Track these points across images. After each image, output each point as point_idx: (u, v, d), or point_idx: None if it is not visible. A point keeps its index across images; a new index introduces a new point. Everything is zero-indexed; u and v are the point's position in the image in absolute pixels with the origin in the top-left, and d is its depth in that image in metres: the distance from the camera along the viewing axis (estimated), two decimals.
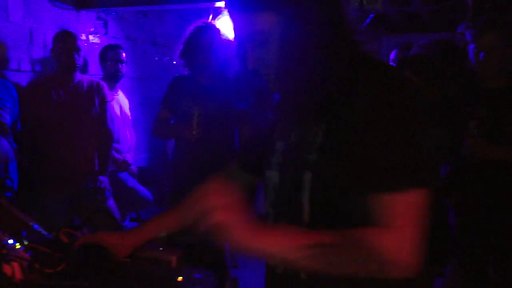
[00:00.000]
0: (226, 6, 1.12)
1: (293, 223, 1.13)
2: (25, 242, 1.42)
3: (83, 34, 4.08)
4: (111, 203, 3.35)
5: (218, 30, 2.91)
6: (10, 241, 1.37)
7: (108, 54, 3.88)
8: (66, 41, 3.16)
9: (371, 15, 3.87)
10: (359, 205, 1.03)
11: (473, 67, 2.52)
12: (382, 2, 3.33)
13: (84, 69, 4.00)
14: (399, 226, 0.99)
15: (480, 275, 2.50)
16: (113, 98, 3.73)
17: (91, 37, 4.23)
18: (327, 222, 1.07)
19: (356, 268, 1.00)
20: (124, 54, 3.91)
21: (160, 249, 1.47)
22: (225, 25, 2.94)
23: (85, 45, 4.04)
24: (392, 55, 3.56)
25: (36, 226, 1.50)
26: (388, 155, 1.00)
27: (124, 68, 3.91)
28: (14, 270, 1.29)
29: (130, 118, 4.09)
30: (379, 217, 1.00)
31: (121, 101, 3.98)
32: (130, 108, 4.13)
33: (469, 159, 2.36)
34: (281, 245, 0.99)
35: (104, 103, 3.30)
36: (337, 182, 1.06)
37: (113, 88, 3.83)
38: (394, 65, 3.40)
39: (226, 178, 1.36)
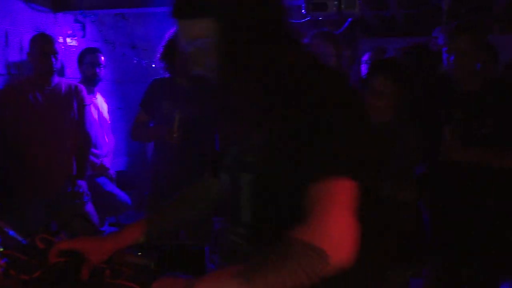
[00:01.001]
0: (171, 14, 1.16)
1: (238, 225, 1.16)
2: (0, 249, 1.40)
3: (60, 37, 4.03)
4: (90, 207, 3.32)
5: None
6: None
7: (86, 57, 3.85)
8: (43, 44, 3.12)
9: (349, 19, 3.91)
10: (296, 203, 1.04)
11: (447, 70, 2.56)
12: (359, 6, 3.37)
13: (62, 72, 3.95)
14: (316, 215, 0.98)
15: (454, 275, 2.55)
16: (92, 102, 3.70)
17: (68, 40, 4.19)
18: (268, 223, 1.09)
19: (295, 274, 0.97)
20: (102, 58, 3.88)
21: (139, 253, 1.47)
22: None
23: (63, 48, 4.00)
24: (365, 57, 3.60)
25: (11, 232, 1.48)
26: (311, 149, 1.03)
27: (102, 72, 3.88)
28: None
29: (108, 121, 4.06)
30: (304, 208, 1.01)
31: (99, 105, 3.95)
32: (108, 112, 4.09)
33: (444, 161, 2.40)
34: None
35: (82, 107, 3.28)
36: (275, 182, 1.08)
37: (91, 91, 3.80)
38: (367, 67, 3.45)
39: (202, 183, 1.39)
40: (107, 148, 4.00)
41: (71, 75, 4.04)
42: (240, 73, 1.11)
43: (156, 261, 1.45)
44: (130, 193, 4.18)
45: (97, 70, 3.83)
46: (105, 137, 3.98)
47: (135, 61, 4.95)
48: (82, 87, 3.33)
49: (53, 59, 3.12)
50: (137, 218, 1.49)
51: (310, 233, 0.97)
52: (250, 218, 1.14)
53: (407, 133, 2.30)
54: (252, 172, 1.13)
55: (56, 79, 3.22)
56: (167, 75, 3.02)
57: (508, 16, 5.74)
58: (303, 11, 3.47)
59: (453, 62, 2.40)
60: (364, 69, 3.58)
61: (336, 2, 3.29)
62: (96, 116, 3.83)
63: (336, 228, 0.98)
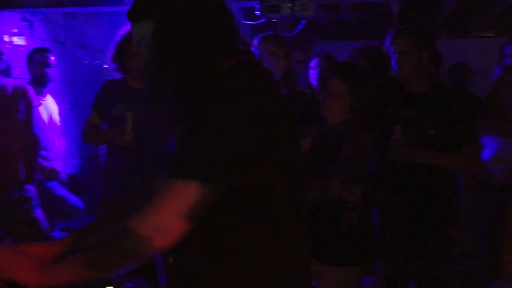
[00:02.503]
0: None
1: None
2: None
3: (6, 36, 3.89)
4: (38, 212, 3.21)
5: None
6: None
7: (34, 57, 3.73)
8: None
9: (303, 22, 3.96)
10: None
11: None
12: (313, 9, 3.41)
13: (8, 73, 3.81)
14: (150, 207, 1.08)
15: (403, 271, 2.62)
16: (40, 103, 3.59)
17: (15, 38, 4.04)
18: None
19: (123, 256, 1.09)
20: (52, 58, 3.77)
21: None
22: None
23: (9, 47, 3.86)
24: (313, 63, 3.64)
25: None
26: (176, 151, 1.14)
27: (52, 72, 3.77)
28: None
29: (59, 124, 3.95)
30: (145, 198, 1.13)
31: (49, 107, 3.83)
32: (59, 114, 3.98)
33: (394, 162, 2.47)
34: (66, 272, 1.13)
35: (30, 109, 3.17)
36: None
37: (40, 92, 3.68)
38: (316, 72, 3.49)
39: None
40: (58, 151, 3.89)
41: (19, 76, 3.90)
42: (165, 74, 1.16)
43: None
44: (82, 197, 4.08)
45: (47, 70, 3.72)
46: (56, 139, 3.86)
47: (86, 62, 4.83)
48: (29, 88, 3.22)
49: None
50: (89, 222, 1.46)
51: (139, 221, 1.08)
52: None
53: (361, 134, 2.35)
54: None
55: (1, 80, 3.10)
56: (119, 76, 2.96)
57: (455, 21, 5.96)
58: (256, 12, 3.48)
59: (396, 63, 2.48)
60: (312, 75, 3.62)
61: (289, 5, 3.32)
62: (45, 118, 3.71)
63: (160, 219, 1.07)
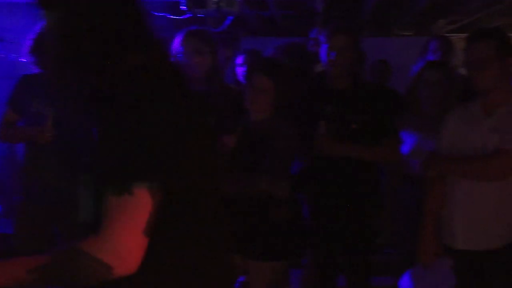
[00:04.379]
0: None
1: (77, 225, 1.18)
2: None
3: None
4: None
5: None
6: None
7: None
8: None
9: (230, 17, 3.95)
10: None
11: (324, 69, 2.70)
12: (239, 4, 3.41)
13: None
14: (105, 229, 1.03)
15: (331, 263, 2.69)
16: None
17: None
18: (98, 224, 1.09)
19: (73, 277, 1.04)
20: None
21: None
22: None
23: None
24: (240, 60, 3.64)
25: None
26: (107, 156, 1.05)
27: None
28: None
29: None
30: (100, 217, 1.05)
31: None
32: None
33: (320, 156, 2.53)
34: (10, 276, 1.06)
35: None
36: (98, 184, 1.09)
37: None
38: (243, 69, 3.50)
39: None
40: None
41: None
42: (69, 69, 1.13)
43: None
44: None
45: None
46: None
47: (1, 55, 4.58)
48: None
49: None
50: (6, 225, 1.39)
51: (98, 247, 1.02)
52: (86, 219, 1.16)
53: (286, 129, 2.38)
54: (88, 172, 1.15)
55: None
56: (37, 71, 2.82)
57: (376, 20, 6.19)
58: (182, 7, 3.43)
59: (333, 59, 2.53)
60: (239, 71, 3.62)
61: (216, 0, 3.30)
62: None
63: (122, 244, 1.02)
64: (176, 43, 2.58)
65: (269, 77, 2.37)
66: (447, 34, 4.92)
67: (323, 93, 2.65)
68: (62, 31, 1.11)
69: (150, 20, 1.20)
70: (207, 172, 1.20)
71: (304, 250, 2.65)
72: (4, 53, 4.62)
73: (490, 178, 2.07)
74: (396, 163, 2.81)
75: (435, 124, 2.41)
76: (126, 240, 1.02)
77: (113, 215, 1.02)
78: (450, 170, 2.20)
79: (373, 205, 2.66)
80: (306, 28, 4.33)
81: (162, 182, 1.04)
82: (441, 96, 2.73)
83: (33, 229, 2.74)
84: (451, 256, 2.19)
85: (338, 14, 5.22)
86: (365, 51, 3.39)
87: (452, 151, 2.20)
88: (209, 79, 2.62)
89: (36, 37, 2.76)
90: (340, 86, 2.61)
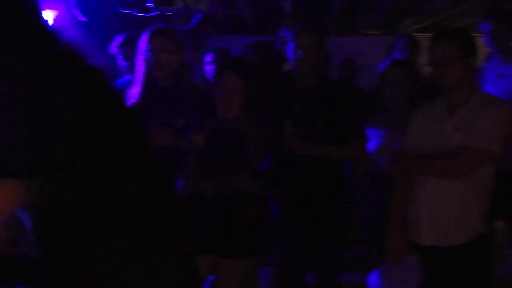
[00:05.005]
0: None
1: None
2: None
3: None
4: None
5: None
6: None
7: None
8: None
9: (198, 15, 3.92)
10: None
11: (291, 68, 2.71)
12: (206, 2, 3.39)
13: None
14: None
15: (299, 261, 2.71)
16: None
17: None
18: None
19: None
20: None
21: None
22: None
23: None
24: (209, 58, 3.62)
25: None
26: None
27: None
28: None
29: None
30: None
31: None
32: None
33: (288, 155, 2.53)
34: None
35: None
36: None
37: None
38: (212, 67, 3.48)
39: None
40: None
41: None
42: None
43: None
44: None
45: None
46: None
47: None
48: None
49: None
50: None
51: None
52: None
53: (255, 129, 2.37)
54: None
55: None
56: None
57: (343, 19, 6.25)
58: (148, 4, 3.39)
59: (300, 58, 2.53)
60: (208, 70, 3.60)
61: None
62: None
63: None
64: (143, 41, 2.54)
65: (239, 77, 2.36)
66: (413, 34, 5.01)
67: (290, 92, 2.66)
68: None
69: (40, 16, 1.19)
70: (145, 173, 1.21)
71: (273, 247, 2.65)
72: None
73: (454, 176, 2.11)
74: (363, 161, 2.84)
75: (401, 122, 2.45)
76: None
77: None
78: (416, 168, 2.23)
79: (340, 202, 2.68)
80: (274, 26, 4.34)
81: (33, 178, 1.06)
82: (407, 95, 2.77)
83: None
84: (417, 252, 2.22)
85: (306, 13, 5.25)
86: (333, 50, 3.42)
87: (418, 149, 2.23)
88: (176, 78, 2.59)
89: None
90: (307, 85, 2.62)
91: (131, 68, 2.74)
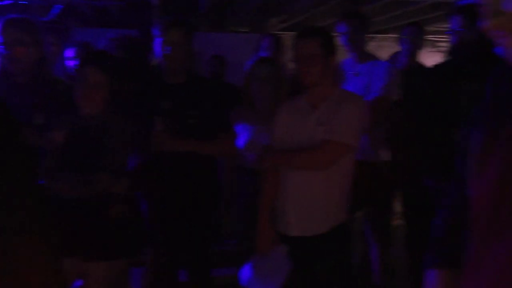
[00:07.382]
0: None
1: None
2: None
3: None
4: None
5: None
6: None
7: None
8: None
9: (58, 6, 3.69)
10: None
11: (159, 63, 2.66)
12: None
13: None
14: None
15: (171, 261, 2.68)
16: None
17: None
18: None
19: None
20: None
21: None
22: None
23: None
24: (71, 53, 3.43)
25: None
26: None
27: None
28: None
29: None
30: None
31: None
32: None
33: (157, 152, 2.49)
34: None
35: None
36: None
37: None
38: (74, 63, 3.31)
39: None
40: None
41: None
42: None
43: None
44: None
45: None
46: None
47: None
48: None
49: None
50: None
51: None
52: None
53: (119, 125, 2.30)
54: None
55: None
56: None
57: (212, 16, 6.29)
58: None
59: (168, 53, 2.49)
60: (70, 64, 3.40)
61: None
62: None
63: None
64: None
65: (101, 71, 2.27)
66: (280, 32, 5.19)
67: (159, 88, 2.62)
68: None
69: None
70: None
71: (143, 248, 2.59)
72: None
73: (317, 168, 2.22)
74: (233, 156, 2.88)
75: (267, 118, 2.52)
76: None
77: None
78: (282, 162, 2.31)
79: (211, 198, 2.70)
80: (141, 20, 4.23)
81: None
82: (271, 91, 2.85)
83: None
84: (286, 243, 2.31)
85: (175, 8, 5.20)
86: (202, 46, 3.42)
87: (284, 144, 2.31)
88: (34, 72, 2.42)
89: None
90: (175, 81, 2.60)
91: None
